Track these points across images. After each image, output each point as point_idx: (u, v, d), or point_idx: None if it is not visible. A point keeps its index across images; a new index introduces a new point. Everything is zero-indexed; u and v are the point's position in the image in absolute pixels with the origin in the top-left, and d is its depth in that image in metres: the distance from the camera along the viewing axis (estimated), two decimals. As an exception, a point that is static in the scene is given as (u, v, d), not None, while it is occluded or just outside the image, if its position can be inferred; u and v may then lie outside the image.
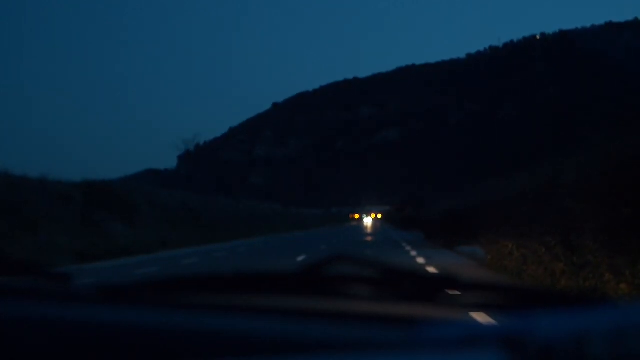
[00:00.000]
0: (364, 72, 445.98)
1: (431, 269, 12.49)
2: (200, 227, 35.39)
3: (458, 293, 0.94)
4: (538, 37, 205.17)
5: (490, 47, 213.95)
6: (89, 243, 21.44)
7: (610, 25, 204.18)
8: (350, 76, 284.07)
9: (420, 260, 16.42)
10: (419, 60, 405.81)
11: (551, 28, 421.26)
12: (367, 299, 0.96)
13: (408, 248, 23.02)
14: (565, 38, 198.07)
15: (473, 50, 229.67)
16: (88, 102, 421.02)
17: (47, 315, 0.89)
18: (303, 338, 0.80)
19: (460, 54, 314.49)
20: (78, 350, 0.83)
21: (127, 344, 0.82)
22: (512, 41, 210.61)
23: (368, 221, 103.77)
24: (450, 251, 20.94)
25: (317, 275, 0.99)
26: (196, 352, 0.79)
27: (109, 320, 0.87)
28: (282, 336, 0.80)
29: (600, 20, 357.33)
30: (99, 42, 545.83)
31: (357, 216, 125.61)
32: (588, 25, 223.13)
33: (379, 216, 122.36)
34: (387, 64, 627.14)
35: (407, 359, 0.69)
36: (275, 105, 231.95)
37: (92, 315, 0.89)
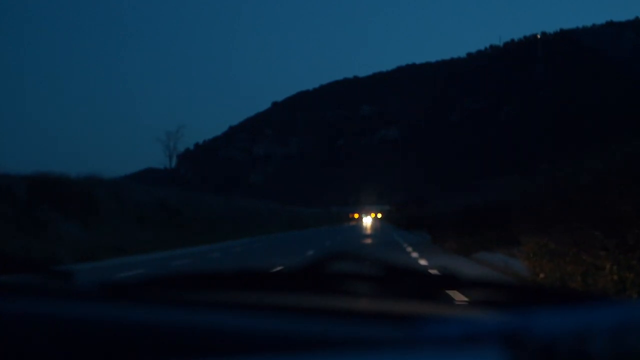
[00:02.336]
0: (364, 71, 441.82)
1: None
2: (180, 227, 31.07)
3: (459, 291, 0.95)
4: (539, 36, 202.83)
5: (491, 46, 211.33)
6: (23, 247, 17.12)
7: (611, 24, 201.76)
8: (350, 75, 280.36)
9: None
10: (420, 59, 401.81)
11: (552, 27, 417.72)
12: (368, 297, 0.96)
13: (415, 254, 18.64)
14: (566, 37, 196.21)
15: (474, 50, 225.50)
16: (87, 101, 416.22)
17: (49, 312, 0.88)
18: (304, 335, 0.78)
19: (461, 53, 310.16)
20: (80, 347, 0.82)
21: (129, 341, 0.81)
22: (512, 40, 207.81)
23: (367, 221, 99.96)
24: (467, 259, 16.61)
25: (318, 272, 0.98)
26: (197, 349, 0.78)
27: (111, 318, 0.86)
28: (283, 333, 0.79)
29: (601, 20, 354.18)
30: (98, 41, 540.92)
31: (357, 215, 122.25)
32: (589, 24, 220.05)
33: (379, 216, 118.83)
34: (388, 63, 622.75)
35: (408, 357, 0.67)
36: (275, 104, 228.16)
37: (94, 313, 0.87)
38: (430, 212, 39.98)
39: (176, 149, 61.50)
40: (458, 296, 0.92)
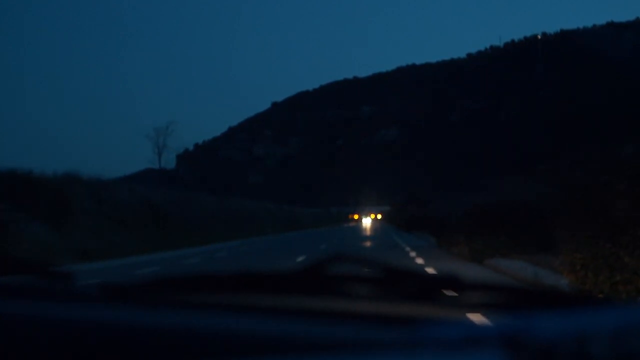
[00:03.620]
0: (364, 72, 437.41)
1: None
2: (166, 229, 28.74)
3: (458, 293, 0.94)
4: (539, 36, 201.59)
5: (491, 47, 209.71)
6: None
7: (611, 25, 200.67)
8: (350, 75, 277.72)
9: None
10: (420, 60, 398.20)
11: (552, 27, 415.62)
12: (368, 299, 0.96)
13: (420, 260, 16.28)
14: (566, 38, 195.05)
15: (474, 50, 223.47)
16: (86, 100, 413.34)
17: (49, 314, 0.88)
18: (303, 337, 0.78)
19: (461, 53, 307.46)
20: (80, 349, 0.81)
21: (129, 343, 0.80)
22: (513, 40, 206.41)
23: (367, 222, 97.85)
24: (481, 267, 14.28)
25: (318, 274, 0.98)
26: (197, 352, 0.77)
27: (111, 320, 0.85)
28: (283, 335, 0.79)
29: (601, 20, 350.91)
30: (98, 41, 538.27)
31: (356, 216, 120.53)
32: (589, 24, 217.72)
33: (379, 216, 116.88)
34: (388, 63, 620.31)
35: (408, 359, 0.67)
36: (274, 104, 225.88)
37: (94, 315, 0.87)
38: (433, 212, 37.68)
39: (166, 146, 58.41)
40: (458, 298, 0.87)
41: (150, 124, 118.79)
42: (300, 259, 16.93)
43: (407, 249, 21.87)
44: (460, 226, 17.81)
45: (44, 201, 20.59)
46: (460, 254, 17.30)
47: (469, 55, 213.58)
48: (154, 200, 30.32)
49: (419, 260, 16.18)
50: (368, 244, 28.07)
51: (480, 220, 15.68)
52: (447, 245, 21.72)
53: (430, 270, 12.98)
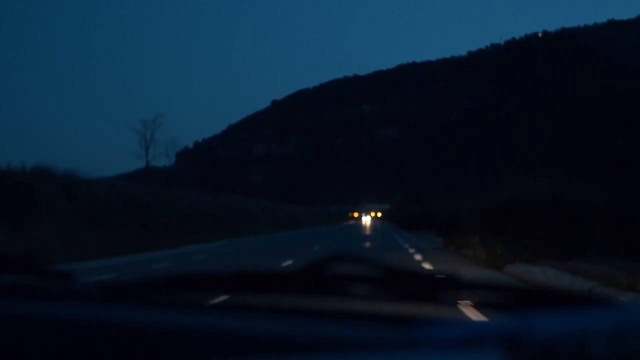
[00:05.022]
0: (364, 70, 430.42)
1: None
2: (148, 228, 26.35)
3: (457, 293, 0.94)
4: (540, 34, 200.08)
5: (492, 45, 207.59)
6: None
7: (612, 23, 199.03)
8: (350, 73, 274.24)
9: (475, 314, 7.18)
10: (420, 58, 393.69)
11: (553, 26, 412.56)
12: (368, 298, 0.96)
13: (427, 265, 13.85)
14: (567, 36, 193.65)
15: (474, 48, 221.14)
16: (85, 100, 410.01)
17: (48, 313, 0.87)
18: (303, 337, 0.78)
19: (462, 51, 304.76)
20: (78, 348, 0.81)
21: (128, 343, 0.80)
22: (513, 39, 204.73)
23: (367, 220, 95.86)
24: (503, 274, 11.84)
25: (318, 274, 0.98)
26: (196, 351, 0.77)
27: (110, 319, 0.85)
28: (282, 335, 0.79)
29: (602, 18, 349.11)
30: (97, 40, 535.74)
31: (356, 214, 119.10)
32: (590, 23, 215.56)
33: (379, 215, 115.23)
34: (388, 62, 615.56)
35: (407, 359, 0.67)
36: (274, 102, 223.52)
37: (92, 314, 0.87)
38: (436, 211, 35.27)
39: (154, 140, 55.71)
40: (458, 298, 0.87)
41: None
42: (287, 263, 14.49)
43: (411, 250, 19.44)
44: (474, 225, 15.28)
45: (6, 197, 18.21)
46: (473, 257, 14.83)
47: (470, 53, 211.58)
48: (137, 198, 27.86)
49: (426, 265, 13.77)
50: (367, 244, 25.62)
51: (500, 219, 13.19)
52: (455, 246, 19.30)
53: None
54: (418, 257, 16.34)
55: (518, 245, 12.50)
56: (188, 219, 31.97)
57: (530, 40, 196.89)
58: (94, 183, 25.69)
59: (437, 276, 0.94)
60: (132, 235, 23.79)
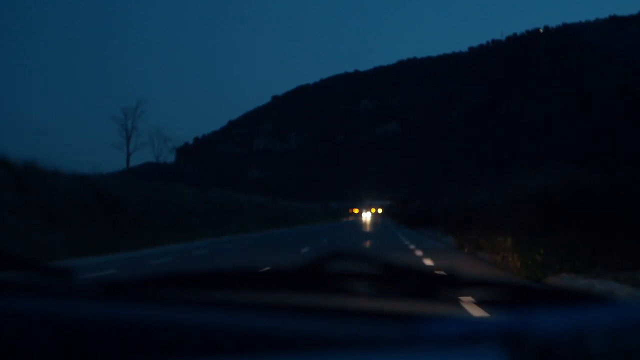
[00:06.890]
0: (365, 65, 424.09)
1: None
2: (123, 226, 23.21)
3: (457, 290, 0.93)
4: (541, 30, 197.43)
5: (493, 41, 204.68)
6: None
7: (614, 19, 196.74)
8: (351, 69, 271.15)
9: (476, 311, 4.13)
10: (421, 54, 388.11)
11: (554, 22, 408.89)
12: (368, 296, 0.95)
13: (441, 272, 10.72)
14: (568, 32, 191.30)
15: (475, 44, 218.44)
16: (84, 99, 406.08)
17: (47, 310, 0.87)
18: (303, 334, 0.78)
19: (463, 47, 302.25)
20: (78, 345, 0.81)
21: (127, 340, 0.80)
22: (515, 35, 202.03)
23: (367, 216, 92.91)
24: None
25: (318, 271, 0.97)
26: (195, 349, 0.77)
27: (110, 316, 0.85)
28: (282, 332, 0.79)
29: (604, 14, 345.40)
30: (96, 40, 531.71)
31: (356, 210, 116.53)
32: (592, 19, 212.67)
33: (379, 211, 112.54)
34: (389, 57, 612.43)
35: (408, 356, 0.66)
36: (275, 98, 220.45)
37: (92, 311, 0.86)
38: (443, 206, 32.14)
39: (136, 129, 52.25)
40: (457, 295, 0.87)
41: (148, 119, 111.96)
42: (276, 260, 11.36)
43: (419, 252, 16.23)
44: (503, 223, 11.94)
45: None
46: (501, 264, 11.58)
47: (471, 49, 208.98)
48: (110, 191, 24.65)
49: (440, 272, 10.64)
50: (367, 244, 22.46)
51: (542, 215, 9.92)
52: (470, 247, 16.12)
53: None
54: (428, 262, 13.15)
55: (564, 249, 9.33)
56: (169, 215, 28.80)
57: (531, 36, 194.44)
58: (58, 176, 22.46)
59: (437, 273, 0.92)
60: (101, 234, 20.66)
